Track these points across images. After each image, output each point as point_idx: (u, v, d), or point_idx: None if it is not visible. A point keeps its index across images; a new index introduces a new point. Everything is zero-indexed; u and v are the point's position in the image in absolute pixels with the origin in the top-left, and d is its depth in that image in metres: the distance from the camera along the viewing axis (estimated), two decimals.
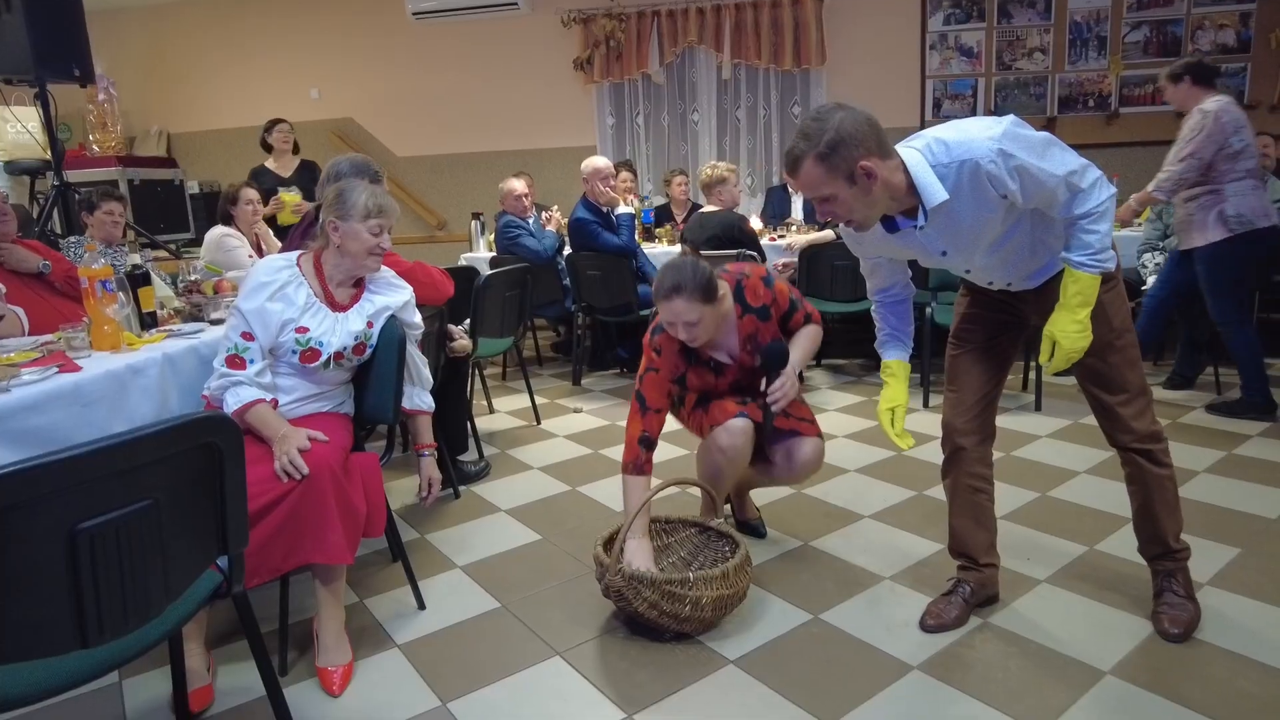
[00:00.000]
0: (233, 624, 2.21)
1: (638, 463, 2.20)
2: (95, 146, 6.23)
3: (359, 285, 2.21)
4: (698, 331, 2.18)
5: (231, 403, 2.00)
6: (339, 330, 2.12)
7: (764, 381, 2.26)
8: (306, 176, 5.07)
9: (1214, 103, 3.35)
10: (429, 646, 2.08)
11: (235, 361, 2.03)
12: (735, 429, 2.28)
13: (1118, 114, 5.88)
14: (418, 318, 2.30)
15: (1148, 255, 4.20)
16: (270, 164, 5.16)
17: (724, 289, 2.24)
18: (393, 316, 2.20)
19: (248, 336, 2.03)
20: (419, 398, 2.32)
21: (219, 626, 2.18)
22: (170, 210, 6.38)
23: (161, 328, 2.79)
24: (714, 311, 2.18)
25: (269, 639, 2.10)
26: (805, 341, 2.38)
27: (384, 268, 2.27)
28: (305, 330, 2.08)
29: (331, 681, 1.92)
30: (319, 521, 1.87)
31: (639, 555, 2.07)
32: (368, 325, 2.17)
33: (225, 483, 1.38)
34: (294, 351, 2.08)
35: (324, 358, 2.10)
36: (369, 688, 1.92)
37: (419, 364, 2.31)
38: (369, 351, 2.19)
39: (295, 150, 5.26)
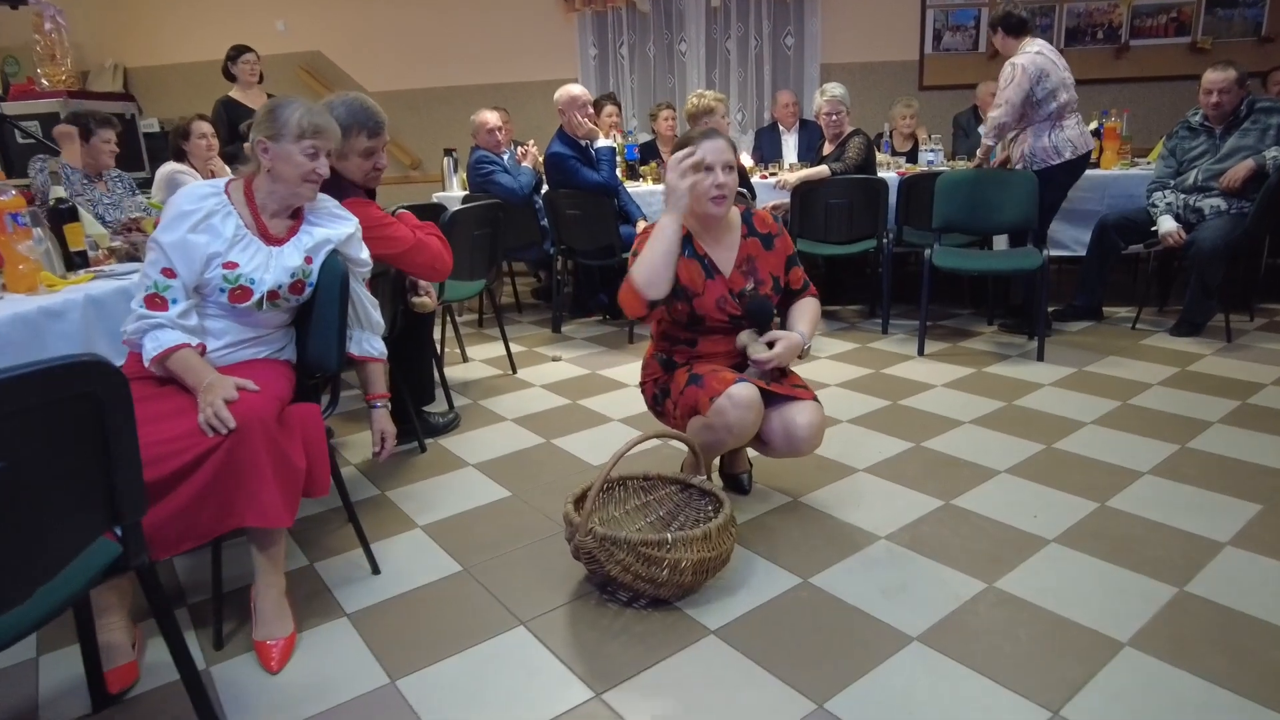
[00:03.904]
0: (168, 590, 2.02)
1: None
2: (44, 80, 5.84)
3: (297, 216, 1.97)
4: (733, 180, 2.08)
5: (150, 348, 1.77)
6: (273, 266, 1.88)
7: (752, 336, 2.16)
8: None
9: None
10: (381, 615, 1.89)
11: (155, 301, 1.79)
12: (743, 399, 1.98)
13: (1128, 47, 5.59)
14: (365, 253, 2.06)
15: (1158, 194, 3.97)
16: (237, 95, 4.78)
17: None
18: (335, 251, 1.97)
19: (168, 273, 1.80)
20: (369, 343, 2.09)
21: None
22: (122, 147, 6.01)
23: (92, 268, 2.55)
24: (735, 175, 2.11)
25: (202, 609, 1.92)
26: (810, 315, 2.27)
27: (326, 196, 2.02)
28: (234, 266, 1.84)
29: (270, 657, 1.73)
30: (251, 480, 1.66)
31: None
32: (306, 261, 1.93)
33: (110, 441, 1.16)
34: (222, 290, 1.84)
35: (256, 297, 1.86)
36: (311, 662, 1.74)
37: (367, 305, 2.08)
38: (308, 290, 1.95)
39: (260, 80, 4.89)
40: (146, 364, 1.77)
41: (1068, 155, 3.83)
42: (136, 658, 1.72)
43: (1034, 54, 3.77)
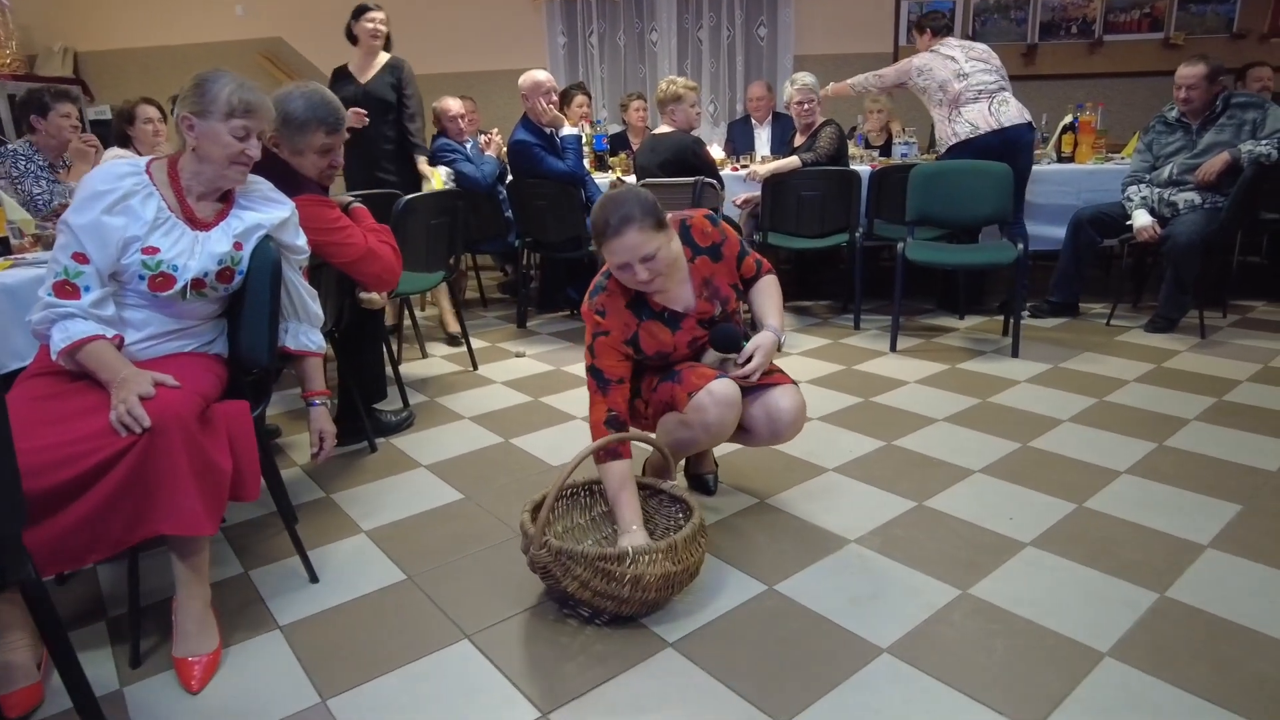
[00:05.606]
0: (88, 603, 1.88)
1: (611, 448, 1.87)
2: None
3: (227, 199, 1.82)
4: (658, 266, 1.81)
5: (59, 339, 1.62)
6: (199, 252, 1.74)
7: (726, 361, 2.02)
8: (387, 79, 4.01)
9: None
10: (316, 628, 1.76)
11: (65, 289, 1.64)
12: (724, 397, 1.89)
13: (1102, 41, 5.56)
14: (301, 240, 1.92)
15: (1133, 188, 3.92)
16: (352, 65, 4.05)
17: (671, 229, 1.90)
18: (267, 237, 1.82)
19: (80, 258, 1.65)
20: (306, 336, 1.96)
21: (67, 608, 1.83)
22: None
23: (13, 256, 2.39)
24: (669, 243, 1.84)
25: (123, 623, 1.78)
26: (775, 298, 2.10)
27: (259, 178, 1.88)
28: (154, 251, 1.69)
29: (190, 675, 1.59)
30: (169, 484, 1.52)
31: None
32: (235, 247, 1.78)
33: None
34: (141, 277, 1.69)
35: (180, 285, 1.72)
36: (236, 681, 1.60)
37: (304, 295, 1.94)
38: (238, 279, 1.81)
39: (387, 45, 4.08)
40: (54, 356, 1.62)
41: (965, 135, 4.02)
42: (42, 679, 1.57)
43: (930, 54, 4.14)
